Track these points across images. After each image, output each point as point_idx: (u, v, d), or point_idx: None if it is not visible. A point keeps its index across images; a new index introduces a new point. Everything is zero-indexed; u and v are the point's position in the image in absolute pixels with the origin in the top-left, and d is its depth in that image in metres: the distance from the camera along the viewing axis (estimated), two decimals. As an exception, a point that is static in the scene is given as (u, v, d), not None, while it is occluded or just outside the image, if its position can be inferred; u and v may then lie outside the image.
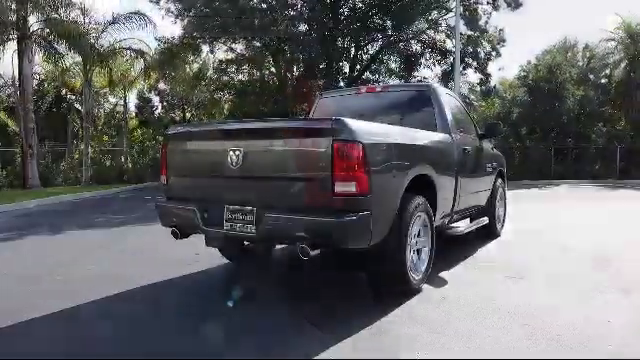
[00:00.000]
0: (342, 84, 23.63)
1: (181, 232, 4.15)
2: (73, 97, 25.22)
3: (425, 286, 4.15)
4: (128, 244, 6.48)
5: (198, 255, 5.40)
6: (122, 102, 26.72)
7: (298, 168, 3.55)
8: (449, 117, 5.38)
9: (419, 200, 4.11)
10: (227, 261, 5.19)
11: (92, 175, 19.64)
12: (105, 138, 27.06)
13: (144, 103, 27.50)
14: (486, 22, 23.13)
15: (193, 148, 4.18)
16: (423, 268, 4.23)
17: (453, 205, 5.14)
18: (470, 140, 5.87)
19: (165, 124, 27.21)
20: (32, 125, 15.80)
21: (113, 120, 27.85)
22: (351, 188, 3.38)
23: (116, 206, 11.60)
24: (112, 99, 27.39)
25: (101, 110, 25.86)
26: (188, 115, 28.06)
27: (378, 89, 5.93)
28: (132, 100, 28.75)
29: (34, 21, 15.91)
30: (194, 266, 5.11)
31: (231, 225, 3.84)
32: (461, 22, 20.03)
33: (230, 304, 3.85)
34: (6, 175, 19.84)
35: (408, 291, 3.96)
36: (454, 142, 5.19)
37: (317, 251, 3.46)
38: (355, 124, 3.48)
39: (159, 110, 28.43)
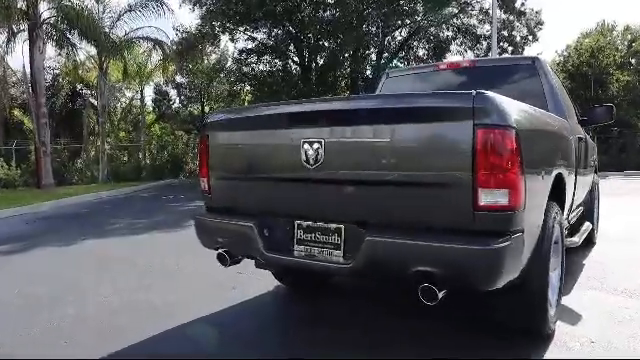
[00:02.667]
0: (368, 72, 22.41)
1: (231, 257, 3.00)
2: (88, 92, 24.29)
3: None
4: (152, 258, 5.35)
5: (241, 275, 4.25)
6: (138, 96, 25.76)
7: (414, 168, 2.40)
8: (561, 98, 4.21)
9: (555, 209, 2.97)
10: (278, 283, 4.04)
11: (109, 172, 18.69)
12: (122, 134, 26.14)
13: (161, 97, 26.49)
14: (522, 4, 21.70)
15: (248, 141, 3.01)
16: (555, 299, 3.05)
17: (570, 209, 4.00)
18: (578, 127, 4.68)
19: (183, 118, 26.28)
20: (45, 120, 14.82)
21: (130, 115, 26.90)
22: (502, 198, 2.23)
23: (135, 208, 10.55)
24: (128, 93, 26.46)
25: (117, 105, 24.91)
26: (207, 109, 26.99)
27: (465, 64, 4.69)
28: (148, 94, 27.83)
29: (45, 9, 14.90)
30: (240, 291, 4.00)
31: (306, 250, 2.72)
32: (496, 3, 18.62)
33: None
34: (21, 174, 19.03)
35: (543, 331, 2.88)
36: (571, 129, 4.02)
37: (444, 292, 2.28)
38: (506, 101, 2.33)
39: (177, 104, 27.43)
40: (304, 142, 2.63)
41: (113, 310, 3.64)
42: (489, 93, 2.26)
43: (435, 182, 2.31)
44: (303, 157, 2.63)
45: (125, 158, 22.68)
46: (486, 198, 2.20)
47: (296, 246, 2.77)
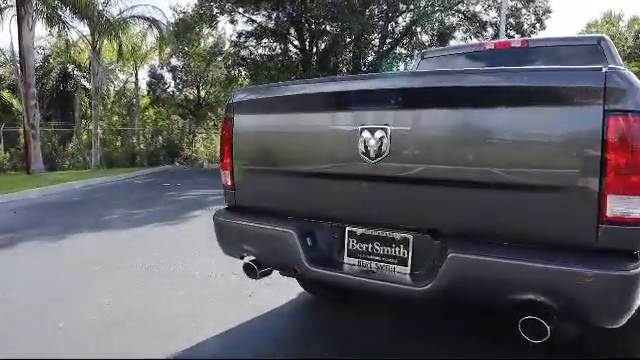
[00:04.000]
0: (371, 58, 21.75)
1: (261, 267, 2.46)
2: (80, 74, 23.43)
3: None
4: (153, 256, 4.78)
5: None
6: (132, 79, 24.94)
7: (516, 165, 1.85)
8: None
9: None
10: (301, 289, 3.51)
11: (102, 158, 17.98)
12: (115, 118, 25.34)
13: (156, 80, 25.67)
14: (531, -10, 21.03)
15: (286, 126, 2.44)
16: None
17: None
18: None
19: (179, 102, 25.53)
20: (34, 102, 14.05)
21: (123, 98, 26.08)
22: (637, 209, 1.68)
23: (131, 196, 9.93)
24: (122, 76, 25.60)
25: (110, 87, 24.07)
26: (203, 93, 26.26)
27: (516, 44, 4.11)
28: (142, 77, 27.00)
29: (34, -17, 14.03)
30: (258, 300, 3.46)
31: (360, 264, 2.19)
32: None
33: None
34: (10, 158, 18.30)
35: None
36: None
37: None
38: (645, 81, 1.78)
39: (172, 88, 26.61)
40: (363, 129, 2.08)
41: (109, 325, 3.08)
42: (625, 70, 1.71)
43: (544, 185, 1.76)
44: (361, 148, 2.08)
45: (118, 143, 21.93)
46: (617, 208, 1.66)
47: (347, 258, 2.24)
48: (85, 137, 20.89)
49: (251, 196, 2.57)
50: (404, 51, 21.80)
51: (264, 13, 20.84)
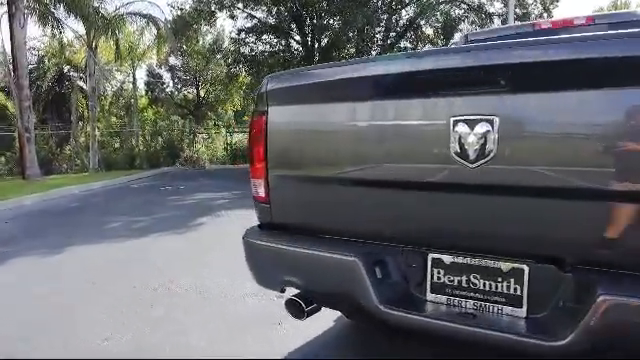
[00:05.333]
0: (374, 53, 21.15)
1: (309, 304, 1.89)
2: (76, 75, 22.80)
3: None
4: (161, 273, 4.20)
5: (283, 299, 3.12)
6: (130, 79, 24.34)
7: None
8: None
9: None
10: (339, 313, 2.93)
11: (100, 160, 17.39)
12: (113, 119, 24.75)
13: (154, 79, 25.06)
14: (538, -21, 20.45)
15: (343, 121, 1.86)
16: None
17: None
18: None
19: (178, 102, 24.94)
20: (28, 104, 13.44)
21: (121, 99, 25.48)
22: None
23: (133, 201, 9.34)
24: (119, 76, 25.00)
25: (108, 88, 23.48)
26: (202, 92, 25.66)
27: (579, 22, 3.52)
28: (140, 77, 26.41)
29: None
30: (290, 328, 2.88)
31: (449, 303, 1.61)
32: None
33: None
34: (5, 162, 17.74)
35: None
36: None
37: None
38: None
39: (170, 87, 26.00)
40: (457, 121, 1.51)
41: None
42: None
43: None
44: (454, 147, 1.51)
45: (117, 145, 21.33)
46: None
47: (431, 295, 1.67)
48: (82, 139, 20.29)
49: (293, 211, 2.00)
50: (409, 45, 21.22)
51: (264, 8, 20.26)
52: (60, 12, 13.96)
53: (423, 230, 1.68)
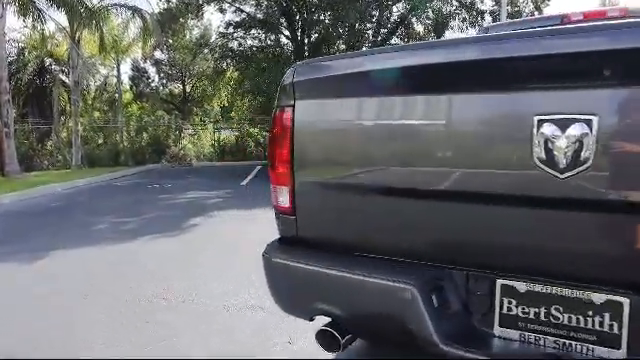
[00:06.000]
0: (364, 49, 20.90)
1: (343, 334, 1.59)
2: (58, 68, 22.10)
3: None
4: (155, 283, 3.87)
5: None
6: (114, 73, 23.68)
7: None
8: None
9: None
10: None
11: (83, 157, 16.84)
12: (97, 114, 24.10)
13: (139, 74, 24.45)
14: (529, -24, 20.36)
15: (391, 118, 1.57)
16: None
17: None
18: None
19: (162, 97, 24.39)
20: (7, 97, 12.87)
21: (105, 93, 24.81)
22: None
23: (118, 200, 8.94)
24: (103, 70, 24.34)
25: (91, 82, 22.84)
26: (188, 88, 25.13)
27: (614, 12, 3.26)
28: (125, 71, 25.80)
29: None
30: (304, 345, 2.57)
31: (525, 340, 1.37)
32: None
33: None
34: (-17, 158, 17.09)
35: None
36: None
37: None
38: None
39: (156, 82, 25.40)
40: (542, 121, 1.23)
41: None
42: None
43: None
44: (539, 153, 1.23)
45: (101, 140, 20.74)
46: None
47: (499, 329, 1.39)
48: (65, 135, 19.68)
49: (325, 224, 1.70)
50: (400, 42, 20.98)
51: (253, 2, 19.86)
52: (42, 2, 13.42)
53: (492, 251, 1.39)
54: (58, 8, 13.80)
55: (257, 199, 8.48)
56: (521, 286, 1.37)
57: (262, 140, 20.43)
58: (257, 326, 2.97)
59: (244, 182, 11.65)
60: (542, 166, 1.24)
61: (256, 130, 21.54)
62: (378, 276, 1.46)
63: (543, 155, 1.23)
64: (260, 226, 5.83)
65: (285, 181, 1.73)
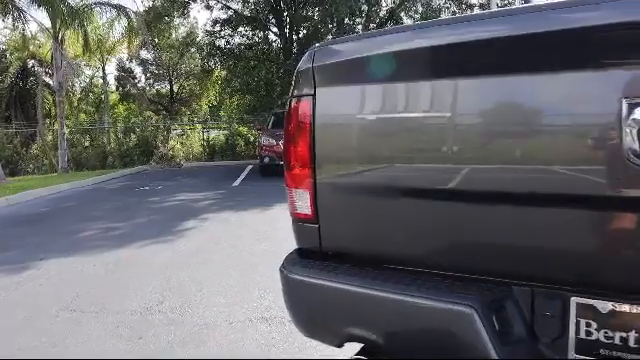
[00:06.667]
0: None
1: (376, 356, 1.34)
2: (42, 70, 21.59)
3: None
4: (151, 298, 3.61)
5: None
6: (100, 74, 23.21)
7: None
8: None
9: None
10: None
11: (69, 160, 16.43)
12: (83, 116, 23.62)
13: (125, 74, 23.96)
14: (518, -31, 20.27)
15: (441, 106, 1.31)
16: None
17: None
18: None
19: (149, 98, 23.96)
20: (-11, 100, 12.48)
21: (91, 95, 24.31)
22: None
23: (108, 204, 8.62)
24: (88, 71, 23.84)
25: (76, 83, 22.34)
26: (176, 87, 24.71)
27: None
28: (110, 72, 25.30)
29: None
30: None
31: None
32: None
33: None
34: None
35: None
36: None
37: None
38: None
39: (142, 82, 24.92)
40: (634, 105, 0.99)
41: None
42: None
43: None
44: (631, 145, 0.99)
45: (87, 143, 20.30)
46: None
47: (574, 357, 1.15)
48: (50, 138, 19.21)
49: (355, 232, 1.45)
50: (390, 36, 20.78)
51: (238, -1, 19.55)
52: (22, 1, 12.99)
53: (566, 262, 1.16)
54: (39, 7, 13.38)
55: (250, 200, 8.21)
56: (603, 305, 1.13)
57: (252, 139, 20.12)
58: (265, 340, 2.73)
59: (236, 183, 11.37)
60: (635, 160, 1.00)
61: (246, 129, 21.22)
62: (429, 296, 1.22)
63: (637, 147, 1.00)
64: (256, 231, 5.61)
65: (304, 183, 1.48)
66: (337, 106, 1.43)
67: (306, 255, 1.53)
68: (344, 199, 1.44)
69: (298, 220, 1.55)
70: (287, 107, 1.54)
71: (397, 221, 1.36)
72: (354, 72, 1.39)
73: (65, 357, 2.58)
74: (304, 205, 1.50)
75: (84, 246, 5.25)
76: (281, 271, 1.52)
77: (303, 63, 1.47)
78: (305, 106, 1.45)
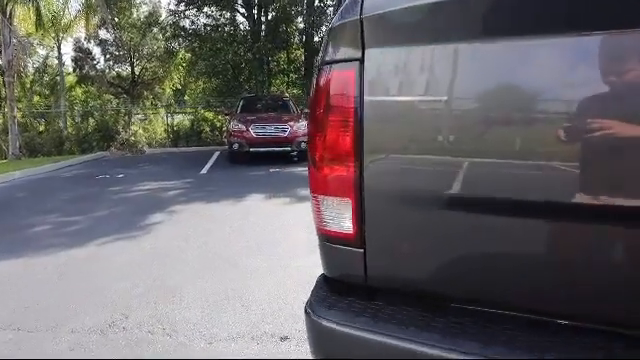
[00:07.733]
0: (325, 29, 20.13)
1: None
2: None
3: None
4: (107, 309, 3.08)
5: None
6: (55, 54, 21.81)
7: None
8: None
9: None
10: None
11: (21, 146, 15.33)
12: (36, 98, 22.20)
13: (83, 55, 22.59)
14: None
15: (569, 82, 0.85)
16: None
17: None
18: None
19: (109, 80, 22.76)
20: None
21: (45, 76, 22.86)
22: None
23: (64, 195, 7.87)
24: (41, 51, 22.38)
25: (28, 64, 20.92)
26: (137, 70, 23.53)
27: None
28: (67, 52, 23.85)
29: None
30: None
31: None
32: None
33: None
34: None
35: None
36: None
37: None
38: None
39: (101, 64, 23.59)
40: None
41: None
42: None
43: None
44: None
45: (42, 127, 19.08)
46: None
47: None
48: (0, 121, 17.93)
49: (418, 262, 1.00)
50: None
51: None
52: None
53: None
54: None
55: (221, 190, 7.66)
56: None
57: (219, 125, 19.38)
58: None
59: (204, 170, 10.74)
60: None
61: (212, 114, 20.42)
62: (543, 355, 0.78)
63: None
64: (230, 225, 5.09)
65: (344, 189, 1.02)
66: (399, 76, 0.96)
67: (344, 291, 1.07)
68: (405, 213, 0.99)
69: (330, 240, 1.08)
70: (315, 79, 1.07)
71: (488, 247, 0.91)
72: (429, 23, 0.93)
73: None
74: (341, 220, 1.04)
75: (34, 245, 4.62)
76: (307, 314, 1.06)
77: (345, 12, 1.00)
78: (347, 77, 0.98)
